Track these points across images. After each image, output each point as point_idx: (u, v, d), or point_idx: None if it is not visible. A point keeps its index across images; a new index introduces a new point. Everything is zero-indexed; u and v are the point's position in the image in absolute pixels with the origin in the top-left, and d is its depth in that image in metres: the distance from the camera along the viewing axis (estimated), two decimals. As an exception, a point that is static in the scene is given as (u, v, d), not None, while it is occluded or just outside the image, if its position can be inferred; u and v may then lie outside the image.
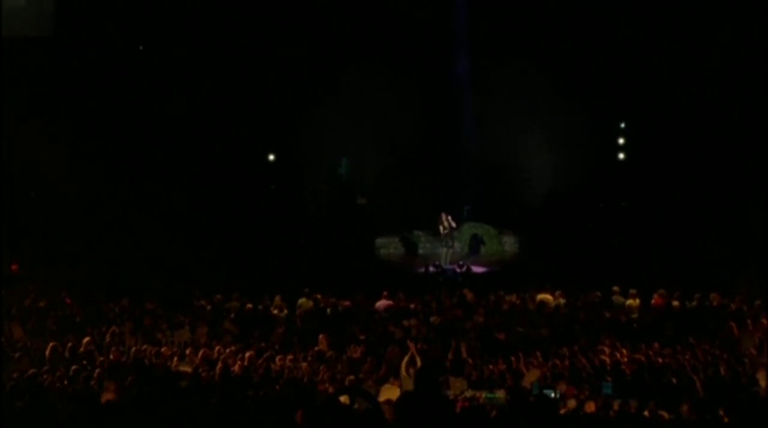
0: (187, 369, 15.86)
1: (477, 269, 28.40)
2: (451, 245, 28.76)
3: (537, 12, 29.82)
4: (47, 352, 16.39)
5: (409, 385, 12.76)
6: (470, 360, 16.93)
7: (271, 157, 31.88)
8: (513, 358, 16.74)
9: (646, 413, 12.55)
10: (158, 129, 27.34)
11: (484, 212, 31.74)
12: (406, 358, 15.72)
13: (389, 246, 31.47)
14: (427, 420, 7.19)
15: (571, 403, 13.67)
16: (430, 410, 7.31)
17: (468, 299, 22.44)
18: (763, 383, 14.50)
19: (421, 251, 31.28)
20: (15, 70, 23.04)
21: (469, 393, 14.76)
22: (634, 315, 20.97)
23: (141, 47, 28.32)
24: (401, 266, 29.67)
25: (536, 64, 29.27)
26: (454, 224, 28.85)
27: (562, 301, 21.87)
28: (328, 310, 21.69)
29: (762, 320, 18.78)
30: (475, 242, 31.10)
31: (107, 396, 11.60)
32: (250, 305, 21.91)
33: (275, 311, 21.71)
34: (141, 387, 13.00)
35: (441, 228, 28.54)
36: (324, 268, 26.92)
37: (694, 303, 21.16)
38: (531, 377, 15.62)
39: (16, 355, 16.21)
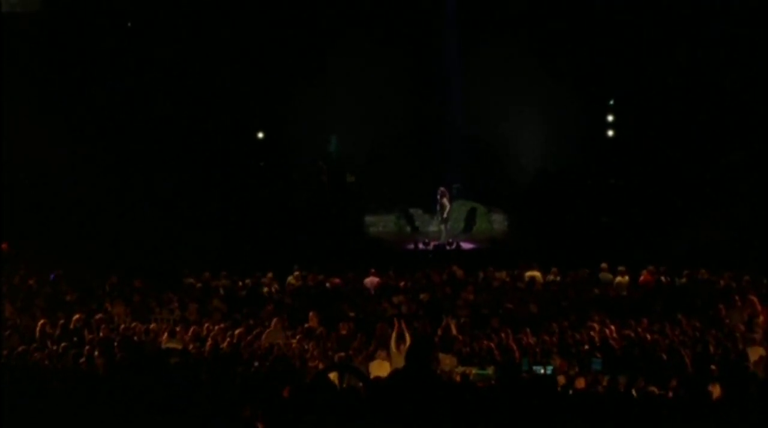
0: (177, 345, 15.88)
1: (466, 246, 28.43)
2: (442, 222, 28.76)
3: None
4: (37, 329, 16.41)
5: (400, 362, 12.77)
6: (460, 337, 16.95)
7: (260, 135, 31.76)
8: (503, 334, 16.77)
9: (634, 389, 12.60)
10: (146, 107, 27.19)
11: (473, 190, 31.73)
12: (394, 334, 15.75)
13: (378, 224, 31.45)
14: (417, 397, 7.18)
15: (561, 379, 13.73)
16: (420, 386, 7.31)
17: (457, 276, 22.50)
18: (752, 359, 14.57)
19: (418, 226, 31.37)
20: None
21: (459, 370, 14.79)
22: (623, 292, 21.06)
23: (129, 24, 28.12)
24: (391, 243, 29.65)
25: (526, 41, 29.25)
26: (445, 201, 28.89)
27: (557, 278, 21.97)
28: (318, 287, 21.75)
29: (750, 296, 18.83)
30: (470, 219, 31.10)
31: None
32: (240, 283, 21.97)
33: (265, 289, 21.77)
34: (131, 363, 13.04)
35: (442, 204, 28.56)
36: (314, 246, 26.91)
37: (683, 280, 21.26)
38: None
39: (6, 333, 16.19)
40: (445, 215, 28.76)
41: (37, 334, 16.31)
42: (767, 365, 13.95)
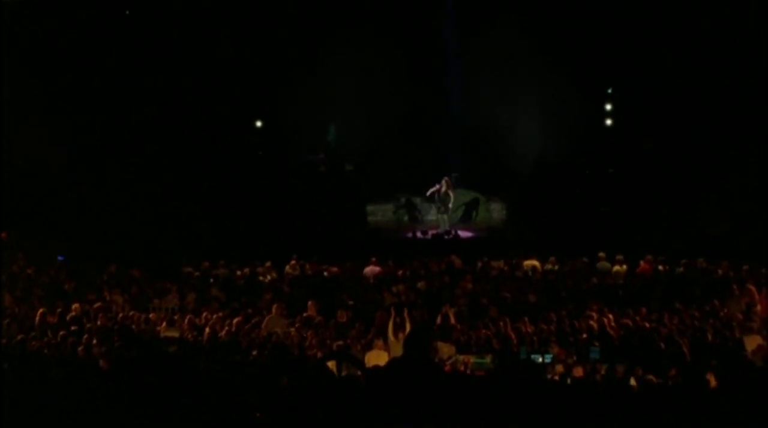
0: (175, 334, 15.92)
1: (464, 235, 28.41)
2: (444, 211, 28.68)
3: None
4: (36, 318, 16.45)
5: (398, 350, 12.79)
6: (458, 326, 16.99)
7: (259, 123, 31.71)
8: (501, 323, 16.79)
9: (633, 378, 12.63)
10: (144, 95, 27.11)
11: (471, 179, 31.68)
12: (391, 323, 15.77)
13: (376, 213, 31.43)
14: (415, 385, 7.19)
15: (559, 368, 13.78)
16: (418, 375, 7.31)
17: (456, 265, 22.54)
18: (749, 347, 14.61)
19: (417, 215, 31.34)
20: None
21: (460, 359, 14.84)
22: (621, 281, 21.11)
23: (127, 12, 28.04)
24: (389, 232, 29.64)
25: (524, 30, 29.13)
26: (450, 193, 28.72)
27: (555, 267, 22.04)
28: (316, 276, 21.81)
29: (748, 285, 18.89)
30: (470, 209, 31.05)
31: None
32: (238, 272, 22.02)
33: (262, 278, 21.83)
34: (129, 351, 13.05)
35: (447, 193, 28.44)
36: (312, 235, 26.95)
37: (681, 269, 21.29)
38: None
39: (5, 322, 16.23)
40: (450, 205, 28.67)
41: (37, 323, 16.34)
42: (765, 353, 13.97)
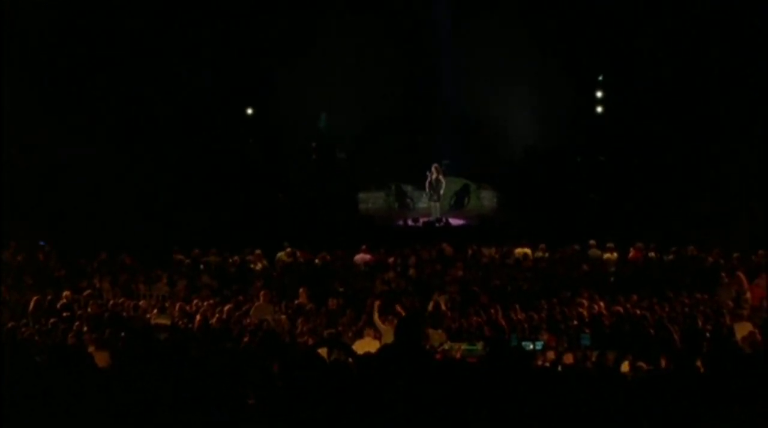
0: (166, 321, 15.89)
1: (455, 222, 28.42)
2: (437, 199, 28.66)
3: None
4: (31, 306, 16.42)
5: (389, 338, 12.78)
6: (449, 313, 17.01)
7: (249, 111, 31.64)
8: (492, 311, 16.82)
9: (625, 364, 12.65)
10: (136, 83, 26.99)
11: (462, 167, 31.66)
12: (375, 311, 15.71)
13: (368, 201, 31.40)
14: (406, 372, 7.18)
15: (550, 355, 13.80)
16: (409, 362, 7.31)
17: (447, 253, 22.54)
18: (739, 335, 14.64)
19: (408, 202, 31.32)
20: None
21: (447, 345, 14.84)
22: (612, 269, 21.15)
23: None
24: (381, 220, 29.64)
25: (515, 18, 29.15)
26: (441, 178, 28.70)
27: (545, 255, 22.06)
28: (308, 264, 21.80)
29: (738, 273, 18.95)
30: (461, 196, 31.03)
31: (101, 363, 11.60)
32: (229, 260, 21.99)
33: (253, 266, 21.80)
34: (119, 338, 13.04)
35: (438, 180, 28.41)
36: (304, 222, 26.93)
37: (671, 257, 21.34)
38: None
39: (-1, 309, 16.26)
40: (441, 192, 28.67)
41: (30, 310, 16.32)
42: (754, 340, 14.01)
